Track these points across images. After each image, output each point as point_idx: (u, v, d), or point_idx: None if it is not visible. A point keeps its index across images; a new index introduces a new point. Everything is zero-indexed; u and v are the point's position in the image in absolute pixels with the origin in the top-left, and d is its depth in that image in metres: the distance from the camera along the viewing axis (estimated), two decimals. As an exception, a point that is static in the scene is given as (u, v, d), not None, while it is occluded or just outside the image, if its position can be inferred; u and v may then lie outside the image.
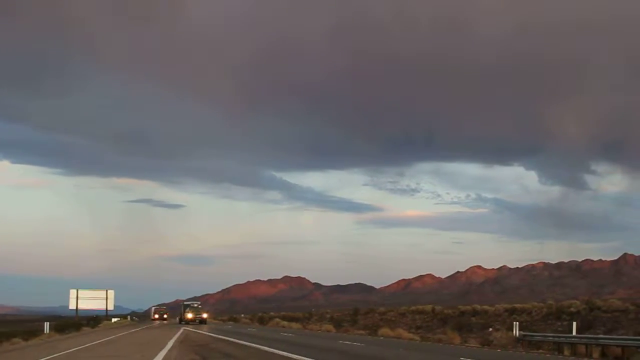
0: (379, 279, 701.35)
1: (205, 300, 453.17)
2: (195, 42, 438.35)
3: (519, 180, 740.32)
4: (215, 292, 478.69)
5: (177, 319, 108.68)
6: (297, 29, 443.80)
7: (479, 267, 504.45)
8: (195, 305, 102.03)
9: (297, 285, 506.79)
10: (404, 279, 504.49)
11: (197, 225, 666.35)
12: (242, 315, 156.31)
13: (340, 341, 44.81)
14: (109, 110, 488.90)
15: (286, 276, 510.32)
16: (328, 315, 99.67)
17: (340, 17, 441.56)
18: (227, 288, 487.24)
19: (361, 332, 65.63)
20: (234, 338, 46.25)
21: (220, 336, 49.51)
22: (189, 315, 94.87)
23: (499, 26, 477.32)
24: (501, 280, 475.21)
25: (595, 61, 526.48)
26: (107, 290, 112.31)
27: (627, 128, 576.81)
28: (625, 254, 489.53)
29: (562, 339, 38.68)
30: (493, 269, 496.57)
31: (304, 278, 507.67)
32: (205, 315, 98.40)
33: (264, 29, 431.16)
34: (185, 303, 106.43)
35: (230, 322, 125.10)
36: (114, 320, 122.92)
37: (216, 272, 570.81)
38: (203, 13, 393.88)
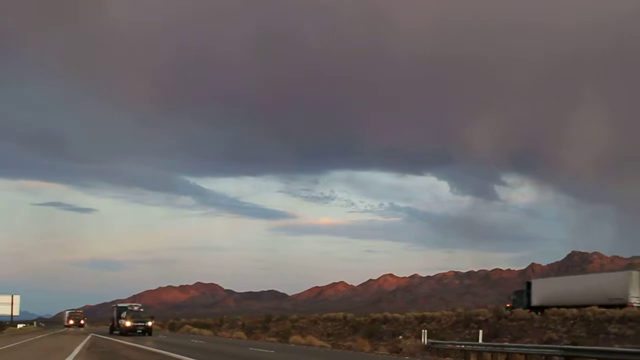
0: (292, 286, 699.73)
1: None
2: (114, 43, 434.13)
3: (431, 190, 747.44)
4: (126, 297, 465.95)
5: (109, 327, 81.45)
6: (216, 35, 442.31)
7: (391, 275, 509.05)
8: (136, 308, 74.66)
9: (209, 292, 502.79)
10: (316, 287, 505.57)
11: (108, 229, 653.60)
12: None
13: (251, 348, 44.77)
14: (17, 111, 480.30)
15: (198, 282, 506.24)
16: (240, 322, 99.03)
17: (259, 24, 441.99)
18: (138, 294, 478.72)
19: (272, 339, 65.66)
20: (144, 345, 45.66)
21: (129, 343, 48.83)
22: (128, 323, 65.98)
23: (411, 34, 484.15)
24: (412, 288, 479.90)
25: (505, 70, 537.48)
26: (12, 296, 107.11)
27: (535, 140, 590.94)
28: (532, 263, 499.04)
29: (469, 346, 39.33)
30: (405, 277, 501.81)
31: (217, 284, 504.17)
32: (150, 323, 68.19)
33: (185, 34, 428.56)
34: (120, 305, 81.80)
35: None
36: (19, 326, 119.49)
37: (127, 278, 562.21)
38: (123, 15, 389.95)
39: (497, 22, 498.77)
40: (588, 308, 51.70)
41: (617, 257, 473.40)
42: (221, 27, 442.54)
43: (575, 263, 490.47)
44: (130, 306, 77.37)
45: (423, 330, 49.17)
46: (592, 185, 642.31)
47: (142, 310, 74.94)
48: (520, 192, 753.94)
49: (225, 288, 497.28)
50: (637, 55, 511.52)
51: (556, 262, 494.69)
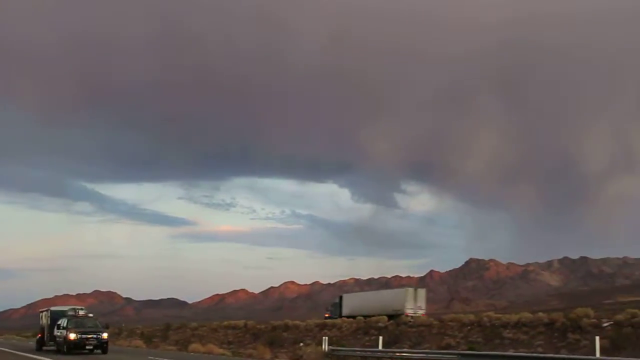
0: (193, 294, 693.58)
1: (8, 316, 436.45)
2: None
3: (332, 198, 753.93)
4: (19, 307, 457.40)
5: (36, 340, 59.12)
6: (115, 38, 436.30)
7: (293, 282, 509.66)
8: (82, 313, 51.05)
9: (107, 300, 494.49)
10: (217, 294, 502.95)
11: (1, 236, 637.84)
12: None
13: (150, 357, 44.39)
14: None
15: (96, 290, 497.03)
16: (139, 331, 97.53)
17: (156, 28, 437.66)
18: (32, 303, 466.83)
19: (172, 347, 64.94)
20: (37, 355, 44.88)
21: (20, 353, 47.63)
22: (72, 336, 44.60)
23: (311, 45, 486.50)
24: (314, 295, 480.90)
25: (405, 82, 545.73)
26: None
27: (434, 150, 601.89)
28: (431, 270, 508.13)
29: (368, 353, 39.75)
30: (306, 284, 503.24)
31: (115, 292, 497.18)
32: (106, 335, 46.43)
33: (80, 36, 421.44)
34: (55, 309, 56.90)
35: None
36: None
37: (21, 286, 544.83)
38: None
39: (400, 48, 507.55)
40: (484, 314, 53.04)
41: (512, 263, 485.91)
42: (121, 28, 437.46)
43: (473, 270, 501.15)
44: (73, 310, 51.67)
45: (324, 338, 49.35)
46: (489, 194, 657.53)
47: (90, 315, 50.38)
48: (419, 200, 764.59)
49: (124, 296, 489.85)
50: (528, 69, 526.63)
51: (454, 269, 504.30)
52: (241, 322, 79.22)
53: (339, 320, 68.29)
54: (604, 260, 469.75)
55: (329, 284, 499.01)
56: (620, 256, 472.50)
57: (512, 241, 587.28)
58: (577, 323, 40.28)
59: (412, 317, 65.17)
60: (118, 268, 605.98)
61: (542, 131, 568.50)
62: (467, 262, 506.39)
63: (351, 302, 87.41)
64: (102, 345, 45.58)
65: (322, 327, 63.56)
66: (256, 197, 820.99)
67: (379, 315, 63.80)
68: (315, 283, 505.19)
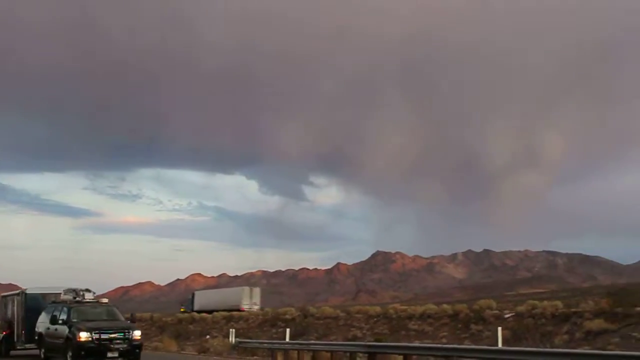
0: (97, 286, 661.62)
1: None
2: None
3: (240, 190, 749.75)
4: None
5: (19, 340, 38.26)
6: (19, 23, 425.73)
7: (199, 274, 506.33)
8: (90, 297, 33.28)
9: (6, 292, 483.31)
10: (122, 287, 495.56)
11: None
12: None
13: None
14: None
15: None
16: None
17: (65, 13, 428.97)
18: None
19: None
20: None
21: None
22: (84, 336, 28.99)
23: (219, 42, 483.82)
24: (221, 287, 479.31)
25: (314, 77, 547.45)
26: None
27: (343, 144, 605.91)
28: (338, 263, 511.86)
29: (275, 345, 39.75)
30: (213, 276, 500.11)
31: (16, 285, 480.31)
32: (138, 335, 30.61)
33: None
34: (35, 292, 39.19)
35: None
36: None
37: None
38: None
39: (308, 28, 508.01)
40: (390, 306, 53.68)
41: (418, 256, 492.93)
42: (25, 12, 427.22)
43: (379, 262, 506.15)
44: (72, 292, 33.21)
45: (231, 330, 49.36)
46: (396, 188, 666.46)
47: (104, 301, 34.24)
48: (327, 193, 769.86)
49: (24, 287, 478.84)
50: (437, 64, 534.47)
51: (361, 261, 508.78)
52: (147, 315, 78.41)
53: (246, 313, 68.54)
54: (506, 254, 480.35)
55: (237, 276, 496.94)
56: (522, 249, 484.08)
57: (418, 234, 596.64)
58: (480, 314, 41.12)
59: (247, 311, 76.87)
60: (19, 259, 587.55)
61: (448, 127, 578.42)
62: (373, 255, 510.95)
63: (201, 299, 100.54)
64: (134, 351, 29.92)
65: (229, 319, 63.44)
66: (163, 188, 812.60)
67: (223, 310, 74.29)
68: (223, 275, 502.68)
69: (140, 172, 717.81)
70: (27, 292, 39.19)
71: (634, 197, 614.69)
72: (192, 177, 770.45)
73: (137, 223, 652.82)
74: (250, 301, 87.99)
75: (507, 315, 39.96)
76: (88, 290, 33.23)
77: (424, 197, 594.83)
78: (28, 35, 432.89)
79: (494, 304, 43.60)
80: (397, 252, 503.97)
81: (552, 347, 30.29)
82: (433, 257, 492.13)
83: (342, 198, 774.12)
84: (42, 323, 32.99)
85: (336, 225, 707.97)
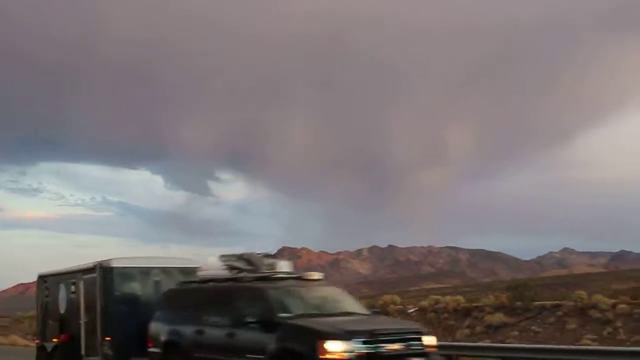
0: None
1: None
2: None
3: (145, 185, 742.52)
4: None
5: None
6: None
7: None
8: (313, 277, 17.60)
9: None
10: (22, 284, 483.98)
11: None
12: None
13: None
14: None
15: None
16: None
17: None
18: None
19: (-28, 339, 62.12)
20: None
21: None
22: (337, 348, 13.34)
23: (125, 37, 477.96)
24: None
25: (219, 73, 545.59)
26: None
27: (250, 139, 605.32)
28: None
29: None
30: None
31: None
32: (432, 342, 15.50)
33: None
34: (231, 258, 18.23)
35: None
36: None
37: None
38: None
39: (218, 26, 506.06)
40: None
41: (323, 252, 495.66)
42: None
43: (285, 258, 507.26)
44: (250, 260, 18.18)
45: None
46: (303, 184, 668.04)
47: (320, 278, 18.15)
48: (233, 189, 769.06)
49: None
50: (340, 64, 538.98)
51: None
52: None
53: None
54: (410, 249, 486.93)
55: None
56: (426, 245, 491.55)
57: (324, 230, 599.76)
58: (385, 310, 41.46)
59: None
60: None
61: (354, 125, 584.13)
62: (279, 251, 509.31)
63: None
64: None
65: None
66: (65, 182, 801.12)
67: None
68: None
69: (42, 166, 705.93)
70: (114, 265, 21.08)
71: (534, 195, 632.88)
72: (96, 171, 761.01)
73: (37, 218, 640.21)
74: None
75: (410, 310, 40.38)
76: (269, 255, 19.59)
77: (330, 194, 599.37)
78: None
79: (398, 299, 44.14)
80: (303, 248, 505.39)
81: (453, 341, 30.76)
82: (339, 253, 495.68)
83: (248, 193, 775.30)
84: (171, 324, 18.08)
85: (242, 220, 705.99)
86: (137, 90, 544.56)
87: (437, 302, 39.94)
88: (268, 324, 14.75)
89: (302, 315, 15.23)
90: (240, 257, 18.30)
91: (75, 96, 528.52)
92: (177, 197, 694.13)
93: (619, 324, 29.85)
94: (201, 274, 18.46)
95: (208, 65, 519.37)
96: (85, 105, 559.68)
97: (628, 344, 27.59)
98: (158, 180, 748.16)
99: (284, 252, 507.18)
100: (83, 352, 21.29)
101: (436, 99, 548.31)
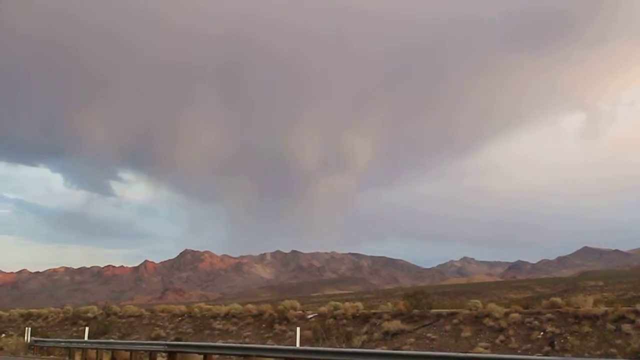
0: None
1: None
2: None
3: (43, 182, 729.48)
4: None
5: None
6: None
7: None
8: None
9: None
10: None
11: None
12: None
13: None
14: None
15: None
16: None
17: None
18: None
19: None
20: None
21: None
22: None
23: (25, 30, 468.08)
24: (20, 284, 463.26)
25: (124, 69, 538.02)
26: None
27: (152, 140, 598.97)
28: (146, 260, 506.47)
29: (74, 344, 38.76)
30: (12, 272, 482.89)
31: None
32: None
33: None
34: None
35: None
36: None
37: None
38: None
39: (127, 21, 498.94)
40: (196, 305, 53.41)
41: (226, 256, 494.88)
42: None
43: (188, 261, 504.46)
44: None
45: (27, 328, 47.67)
46: (206, 187, 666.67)
47: None
48: (135, 190, 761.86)
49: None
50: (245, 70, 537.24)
51: (169, 259, 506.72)
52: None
53: (45, 311, 66.23)
54: (313, 255, 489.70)
55: (38, 272, 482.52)
56: (329, 251, 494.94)
57: (227, 234, 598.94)
58: (284, 315, 41.57)
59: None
60: None
61: (258, 129, 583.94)
62: (182, 253, 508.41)
63: None
64: None
65: (28, 317, 61.21)
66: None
67: None
68: (23, 271, 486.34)
69: None
70: None
71: (437, 204, 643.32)
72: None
73: None
74: None
75: (309, 316, 40.57)
76: None
77: (234, 198, 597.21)
78: None
79: (298, 304, 44.22)
80: (206, 251, 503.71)
81: (348, 347, 30.98)
82: (242, 257, 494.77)
83: (151, 195, 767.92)
84: None
85: (145, 222, 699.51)
86: (39, 86, 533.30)
87: (336, 308, 40.22)
88: None
89: None
90: None
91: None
92: (77, 196, 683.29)
93: (511, 332, 30.54)
94: None
95: (113, 61, 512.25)
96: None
97: (519, 352, 28.31)
98: (58, 178, 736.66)
99: (186, 255, 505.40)
100: None
101: (342, 110, 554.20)
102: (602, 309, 29.82)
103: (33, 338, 43.34)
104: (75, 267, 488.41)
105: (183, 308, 51.99)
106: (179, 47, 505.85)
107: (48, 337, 45.26)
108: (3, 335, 53.07)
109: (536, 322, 30.58)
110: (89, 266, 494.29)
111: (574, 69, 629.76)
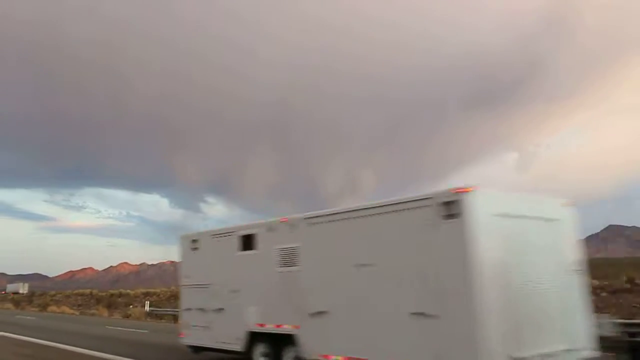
0: (53, 270, 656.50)
1: None
2: None
3: (156, 205, 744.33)
4: None
5: None
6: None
7: (127, 263, 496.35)
8: None
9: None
10: (71, 271, 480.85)
11: None
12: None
13: (17, 315, 41.56)
14: None
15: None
16: (10, 297, 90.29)
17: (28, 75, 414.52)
18: None
19: (35, 309, 60.78)
20: None
21: None
22: None
23: (143, 95, 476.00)
24: (142, 272, 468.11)
25: (209, 127, 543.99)
26: None
27: (228, 176, 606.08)
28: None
29: (177, 312, 39.31)
30: (136, 264, 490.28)
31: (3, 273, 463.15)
32: None
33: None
34: None
35: None
36: None
37: None
38: None
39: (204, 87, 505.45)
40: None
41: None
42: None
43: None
44: None
45: (146, 302, 48.27)
46: (262, 206, 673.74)
47: None
48: (216, 209, 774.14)
49: (0, 271, 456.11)
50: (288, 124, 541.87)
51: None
52: (87, 291, 75.50)
53: (158, 290, 66.87)
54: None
55: (153, 264, 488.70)
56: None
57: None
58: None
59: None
60: None
61: (296, 167, 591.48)
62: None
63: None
64: None
65: (146, 294, 61.82)
66: (101, 202, 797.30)
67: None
68: (143, 264, 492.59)
69: (86, 190, 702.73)
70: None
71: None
72: (123, 194, 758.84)
73: (82, 226, 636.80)
74: (22, 289, 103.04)
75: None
76: None
77: (281, 212, 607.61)
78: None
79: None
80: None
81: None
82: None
83: (226, 212, 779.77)
84: None
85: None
86: (152, 138, 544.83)
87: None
88: None
89: None
90: None
91: (106, 141, 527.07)
92: (178, 214, 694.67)
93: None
94: None
95: (199, 125, 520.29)
96: (115, 148, 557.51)
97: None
98: (165, 201, 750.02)
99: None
100: None
101: (353, 152, 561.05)
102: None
103: (151, 308, 43.95)
104: (178, 261, 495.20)
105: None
106: (241, 111, 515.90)
107: (160, 308, 45.84)
108: (131, 306, 53.66)
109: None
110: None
111: (509, 121, 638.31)
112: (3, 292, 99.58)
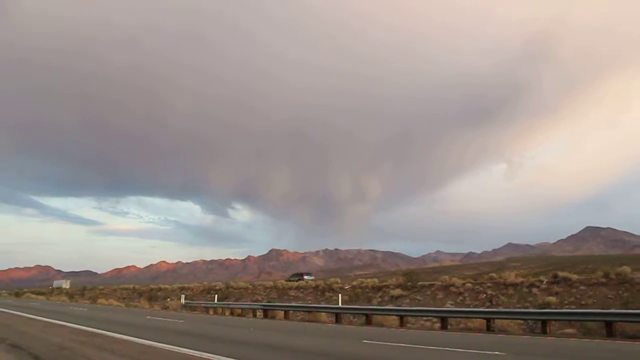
0: (101, 268, 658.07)
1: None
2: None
3: (189, 210, 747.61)
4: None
5: None
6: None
7: (164, 262, 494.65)
8: None
9: (44, 271, 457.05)
10: (117, 268, 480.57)
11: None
12: (3, 291, 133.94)
13: (71, 307, 41.25)
14: None
15: (37, 265, 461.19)
16: (64, 291, 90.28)
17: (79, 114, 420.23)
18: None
19: (86, 301, 60.63)
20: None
21: None
22: None
23: (180, 112, 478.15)
24: (178, 270, 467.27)
25: (229, 142, 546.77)
26: None
27: (252, 183, 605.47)
28: (249, 255, 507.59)
29: (209, 304, 38.90)
30: (173, 263, 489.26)
31: (50, 266, 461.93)
32: None
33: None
34: None
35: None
36: None
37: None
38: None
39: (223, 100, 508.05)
40: (278, 282, 53.06)
41: (296, 252, 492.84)
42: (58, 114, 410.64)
43: (273, 256, 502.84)
44: None
45: (182, 295, 47.93)
46: (283, 211, 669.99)
47: None
48: (242, 214, 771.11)
49: (56, 268, 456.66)
50: (305, 136, 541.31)
51: (262, 254, 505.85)
52: (131, 286, 75.29)
53: (192, 285, 66.36)
54: (348, 251, 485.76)
55: (188, 262, 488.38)
56: (356, 248, 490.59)
57: (296, 239, 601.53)
58: (331, 287, 41.24)
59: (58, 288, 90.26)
60: (53, 250, 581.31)
61: (310, 176, 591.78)
62: (270, 251, 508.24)
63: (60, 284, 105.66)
64: None
65: (182, 289, 61.51)
66: (142, 208, 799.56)
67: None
68: (179, 262, 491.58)
69: (129, 198, 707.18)
70: None
71: (418, 219, 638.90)
72: (161, 202, 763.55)
73: (126, 229, 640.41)
74: (65, 284, 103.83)
75: (346, 287, 40.22)
76: None
77: (299, 217, 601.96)
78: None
79: (339, 280, 43.83)
80: (284, 249, 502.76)
81: (370, 305, 30.67)
82: (305, 253, 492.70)
83: (251, 217, 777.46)
84: None
85: (248, 233, 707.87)
86: (184, 151, 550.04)
87: (362, 282, 39.84)
88: None
89: None
90: None
91: (149, 155, 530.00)
92: (209, 219, 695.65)
93: (466, 295, 30.00)
94: None
95: (222, 137, 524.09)
96: (154, 161, 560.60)
97: (471, 306, 27.78)
98: (197, 208, 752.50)
99: (272, 252, 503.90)
100: None
101: (361, 162, 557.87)
102: (520, 279, 29.18)
103: (186, 301, 43.62)
104: (208, 260, 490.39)
105: (271, 284, 51.78)
106: (259, 126, 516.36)
107: (194, 301, 45.48)
108: (168, 299, 53.35)
109: (481, 288, 30.02)
110: (216, 259, 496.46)
111: (497, 136, 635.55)
112: (51, 287, 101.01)
